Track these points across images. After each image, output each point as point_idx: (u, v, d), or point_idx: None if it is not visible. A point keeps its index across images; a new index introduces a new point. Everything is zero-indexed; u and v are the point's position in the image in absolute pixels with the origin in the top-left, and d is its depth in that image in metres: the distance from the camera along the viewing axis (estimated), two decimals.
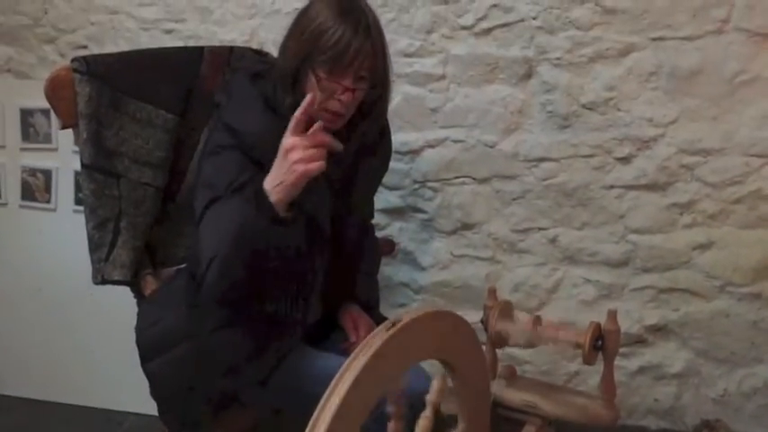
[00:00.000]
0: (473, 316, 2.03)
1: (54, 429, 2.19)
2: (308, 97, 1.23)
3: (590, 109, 1.97)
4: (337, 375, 0.84)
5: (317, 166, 1.21)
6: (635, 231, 2.02)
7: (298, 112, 1.22)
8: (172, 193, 1.68)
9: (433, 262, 2.17)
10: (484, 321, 1.36)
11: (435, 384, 0.99)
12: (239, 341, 1.39)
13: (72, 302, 2.26)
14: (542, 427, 1.36)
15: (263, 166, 1.30)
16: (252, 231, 1.24)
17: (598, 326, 1.29)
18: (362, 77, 1.38)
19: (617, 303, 2.02)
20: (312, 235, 1.46)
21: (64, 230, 2.23)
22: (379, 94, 1.44)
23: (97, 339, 2.25)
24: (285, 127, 1.26)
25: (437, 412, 1.00)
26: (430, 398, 0.98)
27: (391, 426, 0.94)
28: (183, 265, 1.65)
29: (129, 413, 2.23)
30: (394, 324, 0.89)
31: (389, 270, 2.17)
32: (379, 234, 1.96)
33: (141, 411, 2.17)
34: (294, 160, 1.20)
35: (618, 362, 1.57)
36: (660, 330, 2.07)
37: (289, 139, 1.21)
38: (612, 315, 1.29)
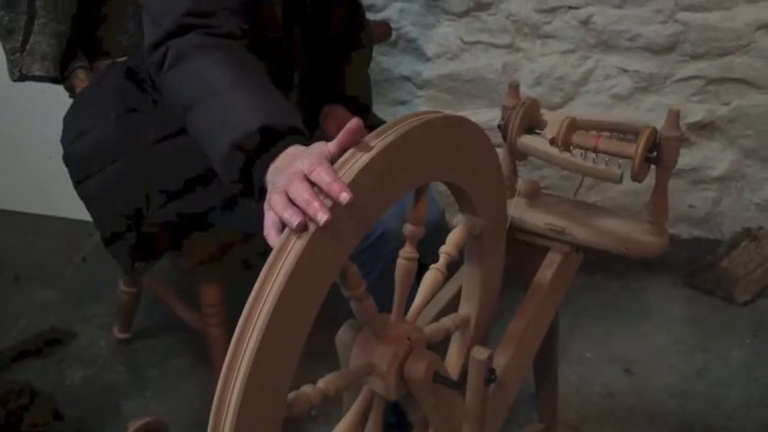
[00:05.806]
0: (486, 115, 1.83)
1: (22, 239, 2.10)
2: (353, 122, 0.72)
3: None
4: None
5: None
6: (687, 8, 1.79)
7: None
8: None
9: (439, 51, 1.96)
10: (502, 126, 1.07)
11: (454, 237, 0.89)
12: (193, 153, 1.11)
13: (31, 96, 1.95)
14: (570, 254, 1.13)
15: None
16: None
17: (654, 131, 1.00)
18: None
19: (656, 97, 1.88)
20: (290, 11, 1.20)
21: None
22: None
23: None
24: None
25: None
26: (445, 249, 0.89)
27: (406, 249, 0.82)
28: (123, 59, 1.34)
29: None
30: (388, 131, 0.72)
31: (387, 61, 2.00)
32: (373, 17, 1.79)
33: None
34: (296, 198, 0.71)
35: None
36: (704, 128, 1.91)
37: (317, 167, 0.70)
38: (674, 116, 0.99)
